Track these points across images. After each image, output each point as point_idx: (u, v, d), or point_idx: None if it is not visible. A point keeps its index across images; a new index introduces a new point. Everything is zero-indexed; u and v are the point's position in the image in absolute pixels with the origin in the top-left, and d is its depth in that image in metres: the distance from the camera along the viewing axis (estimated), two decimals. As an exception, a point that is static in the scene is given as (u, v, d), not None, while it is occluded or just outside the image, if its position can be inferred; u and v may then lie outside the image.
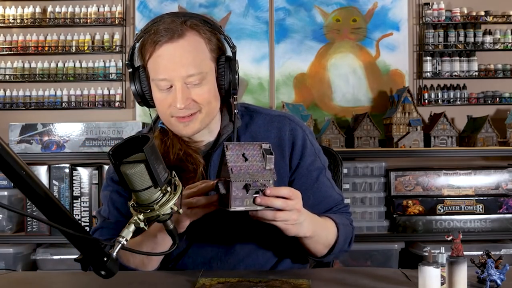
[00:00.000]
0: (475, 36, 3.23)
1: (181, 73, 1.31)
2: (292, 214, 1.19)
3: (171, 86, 1.33)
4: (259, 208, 1.17)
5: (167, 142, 1.41)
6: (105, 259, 1.03)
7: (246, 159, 1.17)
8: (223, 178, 1.20)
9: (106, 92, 3.30)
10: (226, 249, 1.42)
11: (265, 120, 1.47)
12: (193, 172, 1.39)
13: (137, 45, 1.37)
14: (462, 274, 1.06)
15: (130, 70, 1.38)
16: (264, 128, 1.46)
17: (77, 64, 3.30)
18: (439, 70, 3.25)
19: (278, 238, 1.23)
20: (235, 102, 1.42)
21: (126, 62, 1.39)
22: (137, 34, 1.37)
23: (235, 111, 1.42)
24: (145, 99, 1.40)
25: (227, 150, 1.17)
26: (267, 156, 1.18)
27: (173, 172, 1.12)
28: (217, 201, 1.23)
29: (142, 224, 1.07)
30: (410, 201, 2.93)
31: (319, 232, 1.33)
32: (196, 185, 1.28)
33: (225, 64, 1.37)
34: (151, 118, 1.48)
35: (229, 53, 1.40)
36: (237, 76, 1.38)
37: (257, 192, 1.16)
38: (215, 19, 1.43)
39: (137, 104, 3.30)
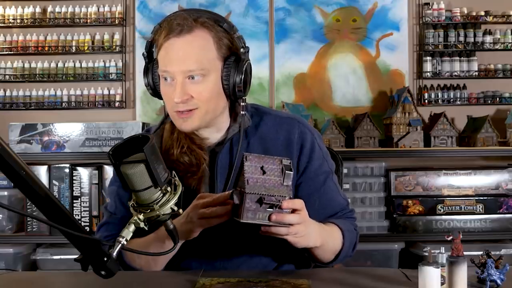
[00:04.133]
0: (475, 36, 3.23)
1: (181, 67, 1.33)
2: (301, 226, 1.20)
3: (174, 80, 1.35)
4: (271, 223, 1.16)
5: (174, 135, 1.43)
6: (105, 259, 1.03)
7: (264, 172, 1.16)
8: (239, 188, 1.18)
9: (106, 92, 3.30)
10: (230, 250, 1.42)
11: (274, 122, 1.47)
12: (196, 167, 1.40)
13: (154, 37, 1.40)
14: (462, 274, 1.06)
15: (146, 61, 1.43)
16: (274, 129, 1.46)
17: (77, 64, 3.30)
18: (439, 70, 3.25)
19: (282, 242, 1.23)
20: (242, 104, 1.42)
21: (143, 53, 1.43)
22: (154, 27, 1.41)
23: (241, 112, 1.42)
24: (156, 91, 1.43)
25: (246, 161, 1.15)
26: (286, 172, 1.16)
27: (173, 172, 1.13)
28: (231, 211, 1.23)
29: (142, 224, 1.08)
30: (410, 201, 2.93)
31: (327, 240, 1.34)
32: (211, 196, 1.28)
33: (232, 65, 1.36)
34: (164, 111, 1.48)
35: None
36: (242, 77, 1.36)
37: (270, 207, 1.15)
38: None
39: (137, 104, 3.32)
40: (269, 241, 1.23)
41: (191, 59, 1.33)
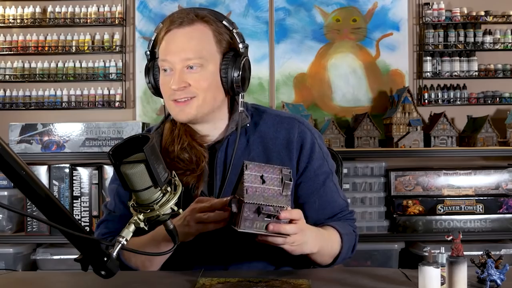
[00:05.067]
0: (475, 36, 3.23)
1: (180, 56, 1.35)
2: (298, 235, 1.20)
3: (173, 70, 1.37)
4: (268, 232, 1.16)
5: (174, 132, 1.44)
6: (105, 259, 1.03)
7: (263, 181, 1.15)
8: (238, 196, 1.18)
9: (106, 92, 3.30)
10: (228, 255, 1.41)
11: (274, 121, 1.48)
12: (195, 164, 1.40)
13: (156, 34, 1.43)
14: (462, 274, 1.06)
15: (148, 58, 1.45)
16: (273, 128, 1.47)
17: (77, 64, 3.30)
18: (439, 70, 3.25)
19: (280, 248, 1.23)
20: (240, 99, 1.43)
21: (146, 51, 1.46)
22: (157, 25, 1.43)
23: (240, 108, 1.43)
24: (158, 89, 1.44)
25: (246, 170, 1.14)
26: (286, 182, 1.16)
27: (173, 172, 1.13)
28: (228, 217, 1.23)
29: (142, 224, 1.08)
30: (410, 201, 2.93)
31: (324, 246, 1.34)
32: (209, 200, 1.29)
33: (231, 59, 1.38)
34: (165, 110, 1.49)
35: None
36: (240, 72, 1.38)
37: (268, 216, 1.14)
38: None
39: (137, 104, 3.32)
40: (267, 246, 1.23)
41: (190, 48, 1.35)
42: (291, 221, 1.18)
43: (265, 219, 1.15)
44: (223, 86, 1.39)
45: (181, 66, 1.35)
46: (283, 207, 1.15)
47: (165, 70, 1.39)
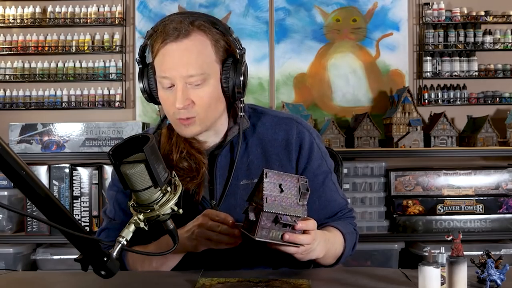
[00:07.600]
0: (475, 36, 3.23)
1: (181, 73, 1.31)
2: (310, 245, 1.21)
3: (173, 85, 1.34)
4: (283, 242, 1.17)
5: (172, 140, 1.43)
6: (105, 259, 1.03)
7: (282, 190, 1.15)
8: (255, 203, 1.18)
9: (106, 92, 3.30)
10: (232, 257, 1.40)
11: (272, 122, 1.47)
12: (195, 172, 1.40)
13: (148, 42, 1.38)
14: (462, 274, 1.06)
15: (140, 66, 1.40)
16: (272, 130, 1.46)
17: (77, 64, 3.30)
18: (439, 70, 3.25)
19: (284, 253, 1.24)
20: (241, 105, 1.41)
21: (136, 58, 1.41)
22: (147, 31, 1.38)
23: (240, 113, 1.42)
24: (152, 96, 1.41)
25: (266, 178, 1.14)
26: (303, 191, 1.17)
27: (173, 172, 1.12)
28: (239, 237, 1.25)
29: (142, 224, 1.08)
30: (410, 201, 2.93)
31: (330, 249, 1.35)
32: (218, 214, 1.27)
33: (231, 67, 1.36)
34: (160, 115, 1.48)
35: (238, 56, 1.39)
36: (241, 79, 1.36)
37: (284, 226, 1.15)
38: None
39: (137, 104, 3.32)
40: (269, 250, 1.23)
41: (191, 64, 1.31)
42: (305, 231, 1.19)
43: (281, 228, 1.16)
44: (224, 94, 1.38)
45: (182, 82, 1.32)
46: (299, 216, 1.16)
47: (163, 85, 1.35)
